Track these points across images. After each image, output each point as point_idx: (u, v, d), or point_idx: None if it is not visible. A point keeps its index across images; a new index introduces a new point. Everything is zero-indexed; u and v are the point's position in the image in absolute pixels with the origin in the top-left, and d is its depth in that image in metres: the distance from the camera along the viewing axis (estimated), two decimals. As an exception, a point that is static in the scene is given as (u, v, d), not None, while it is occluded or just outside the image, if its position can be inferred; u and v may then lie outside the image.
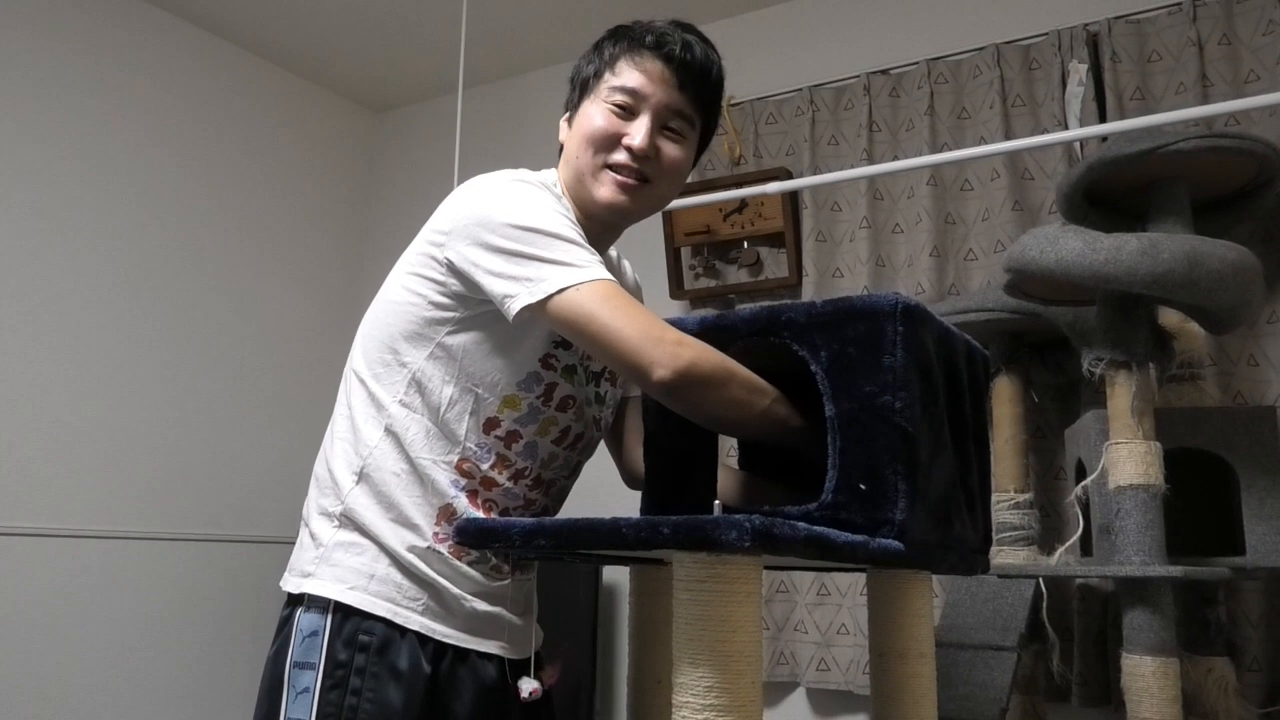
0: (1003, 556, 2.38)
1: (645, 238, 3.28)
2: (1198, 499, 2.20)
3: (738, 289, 3.24)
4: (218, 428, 3.47)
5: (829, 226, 3.10)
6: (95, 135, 3.23)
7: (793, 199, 3.14)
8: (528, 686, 1.41)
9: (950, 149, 2.89)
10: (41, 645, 2.93)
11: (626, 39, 1.35)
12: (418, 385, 1.33)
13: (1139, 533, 1.94)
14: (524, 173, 1.35)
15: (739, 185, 3.07)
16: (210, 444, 3.44)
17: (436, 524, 1.31)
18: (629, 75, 1.33)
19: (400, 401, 1.33)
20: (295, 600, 1.33)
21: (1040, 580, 2.25)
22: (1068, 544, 2.17)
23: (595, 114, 1.34)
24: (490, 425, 1.32)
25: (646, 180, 1.35)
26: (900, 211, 3.00)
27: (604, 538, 0.99)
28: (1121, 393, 2.02)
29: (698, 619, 0.93)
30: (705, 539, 0.91)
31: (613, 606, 3.26)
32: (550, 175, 1.41)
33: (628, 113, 1.33)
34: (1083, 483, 2.15)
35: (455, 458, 1.32)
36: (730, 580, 0.94)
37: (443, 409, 1.32)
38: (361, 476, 1.33)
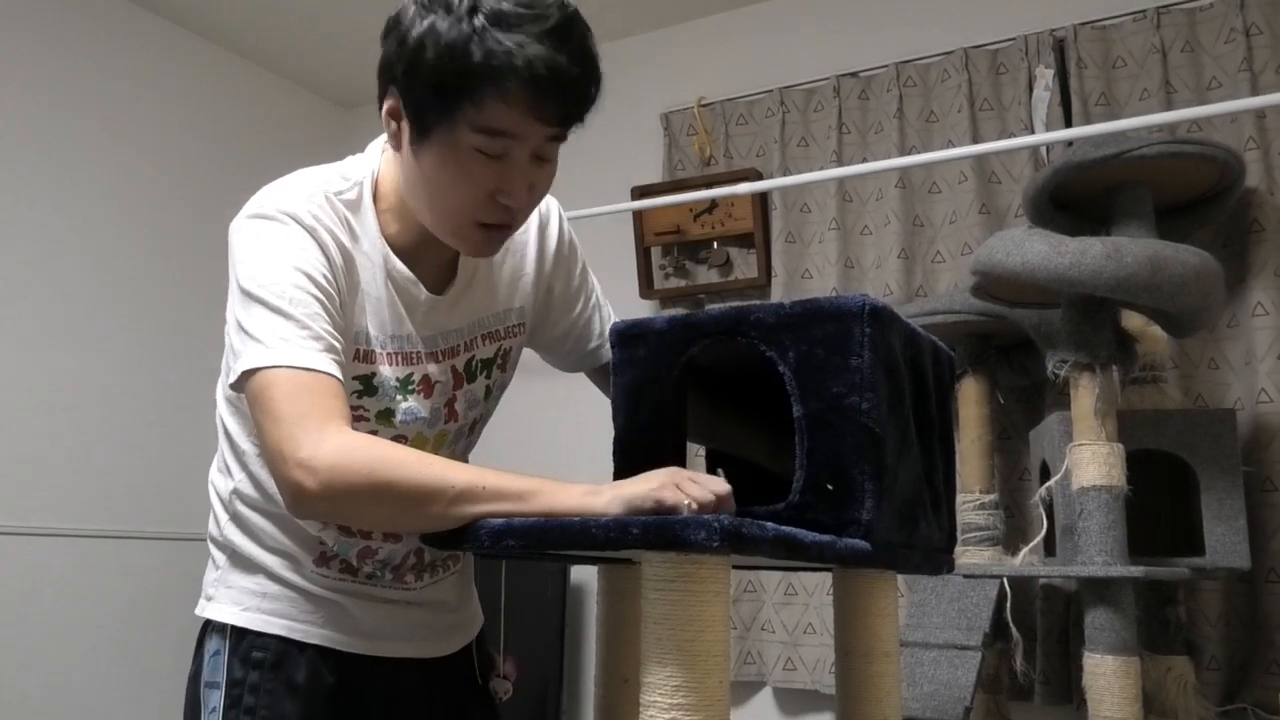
0: (968, 556, 2.41)
1: (615, 237, 3.28)
2: (1159, 500, 2.23)
3: (707, 289, 3.24)
4: (181, 424, 3.43)
5: (798, 227, 3.11)
6: (61, 128, 3.19)
7: (762, 200, 3.15)
8: (502, 689, 1.40)
9: (918, 152, 2.91)
10: (2, 643, 2.89)
11: (485, 59, 1.05)
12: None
13: (1101, 533, 1.97)
14: (295, 189, 1.19)
15: (709, 185, 3.08)
16: (174, 440, 3.40)
17: (314, 559, 1.26)
18: (496, 113, 1.07)
19: (252, 441, 1.25)
20: (205, 621, 1.31)
21: (1005, 580, 2.27)
22: (1032, 544, 2.20)
23: (459, 166, 1.11)
24: None
25: (516, 223, 1.20)
26: (869, 213, 3.02)
27: (573, 537, 0.99)
28: (1085, 395, 2.05)
29: (666, 618, 0.94)
30: (674, 539, 0.91)
31: (581, 605, 3.26)
32: (353, 171, 1.25)
33: (496, 157, 1.10)
34: (1047, 484, 2.17)
35: None
36: (699, 580, 0.94)
37: None
38: (232, 513, 1.29)
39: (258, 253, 1.15)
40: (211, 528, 1.33)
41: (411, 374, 1.24)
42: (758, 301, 1.33)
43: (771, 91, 3.21)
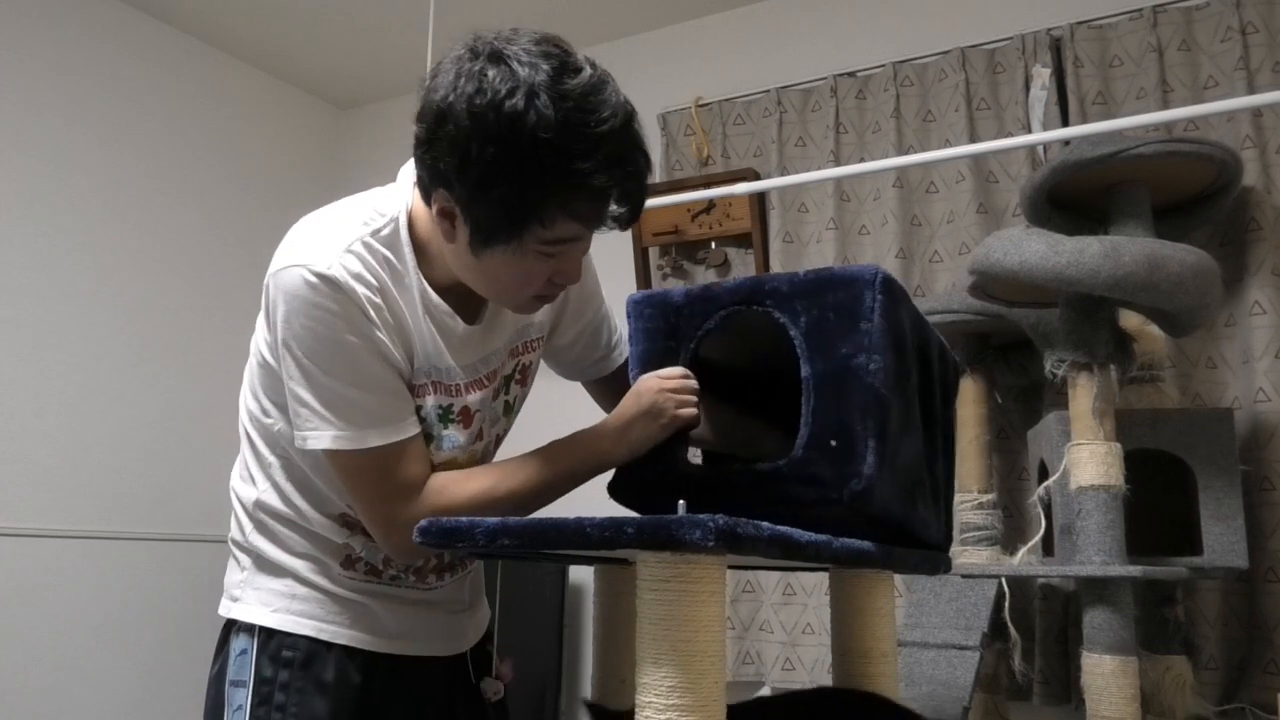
0: (966, 556, 2.40)
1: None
2: (1157, 500, 2.22)
3: (705, 289, 3.23)
4: (179, 426, 3.43)
5: (796, 227, 3.11)
6: (56, 128, 3.18)
7: (760, 200, 3.14)
8: (491, 689, 1.41)
9: (916, 151, 2.91)
10: (-3, 647, 2.89)
11: (556, 191, 1.09)
12: (285, 450, 1.28)
13: (1100, 533, 1.97)
14: (331, 239, 1.18)
15: (707, 186, 3.08)
16: (172, 442, 3.40)
17: (340, 563, 1.30)
18: (565, 228, 1.13)
19: (278, 454, 1.29)
20: (229, 621, 1.34)
21: (1003, 580, 2.27)
22: (1030, 544, 2.19)
23: (521, 267, 1.16)
24: None
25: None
26: (866, 213, 3.02)
27: (569, 537, 0.99)
28: (1083, 394, 2.04)
29: (661, 619, 0.93)
30: (669, 539, 0.91)
31: (578, 606, 3.26)
32: (387, 204, 1.24)
33: (558, 255, 1.17)
34: (1045, 483, 2.17)
35: (336, 511, 1.29)
36: (694, 580, 0.93)
37: (310, 471, 1.27)
38: (256, 521, 1.32)
39: (307, 328, 1.16)
40: (234, 532, 1.36)
41: (452, 405, 1.27)
42: (774, 272, 1.33)
43: (769, 91, 3.20)
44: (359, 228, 1.20)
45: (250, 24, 3.58)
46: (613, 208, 1.14)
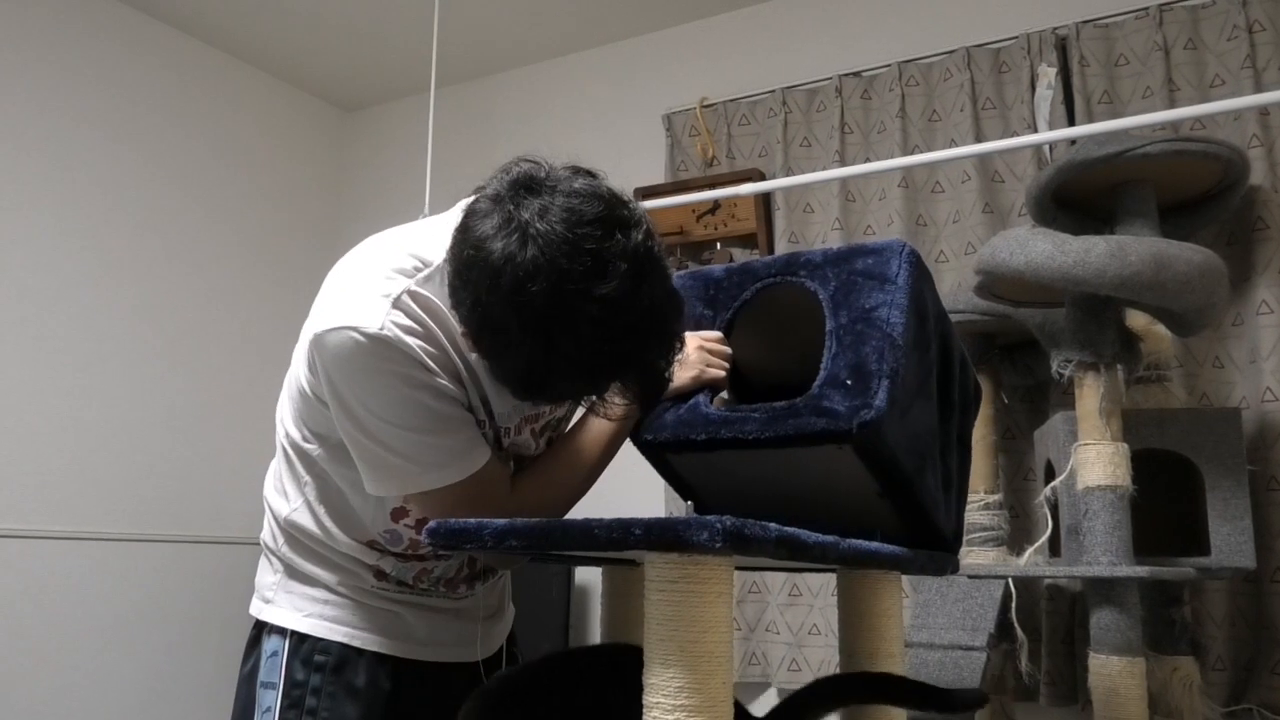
0: (972, 557, 2.40)
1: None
2: (1163, 500, 2.22)
3: (710, 290, 3.23)
4: (186, 427, 3.43)
5: (801, 228, 3.11)
6: (62, 131, 3.19)
7: (765, 200, 3.14)
8: None
9: (921, 151, 2.90)
10: (7, 647, 2.89)
11: (566, 384, 1.08)
12: (323, 471, 1.28)
13: (1106, 533, 1.96)
14: (373, 294, 1.14)
15: (712, 186, 3.08)
16: (178, 443, 3.41)
17: (373, 574, 1.31)
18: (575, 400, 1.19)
19: (315, 474, 1.29)
20: (260, 623, 1.34)
21: (1009, 580, 2.26)
22: (1036, 545, 2.19)
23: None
24: (398, 514, 1.27)
25: None
26: (872, 213, 3.01)
27: (576, 538, 0.99)
28: (1089, 394, 2.04)
29: (669, 619, 0.93)
30: (676, 540, 0.91)
31: (584, 607, 3.26)
32: (428, 249, 1.19)
33: None
34: (1051, 484, 2.17)
35: (365, 538, 1.29)
36: (701, 581, 0.93)
37: (346, 497, 1.27)
38: (288, 537, 1.33)
39: (370, 390, 1.14)
40: (266, 537, 1.36)
41: (499, 440, 1.27)
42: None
43: (774, 92, 3.20)
44: (401, 279, 1.15)
45: (256, 27, 3.58)
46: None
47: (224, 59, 3.74)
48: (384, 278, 1.15)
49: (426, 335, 1.15)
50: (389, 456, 1.16)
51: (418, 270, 1.16)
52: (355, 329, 1.11)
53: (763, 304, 1.31)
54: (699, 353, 1.27)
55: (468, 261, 1.04)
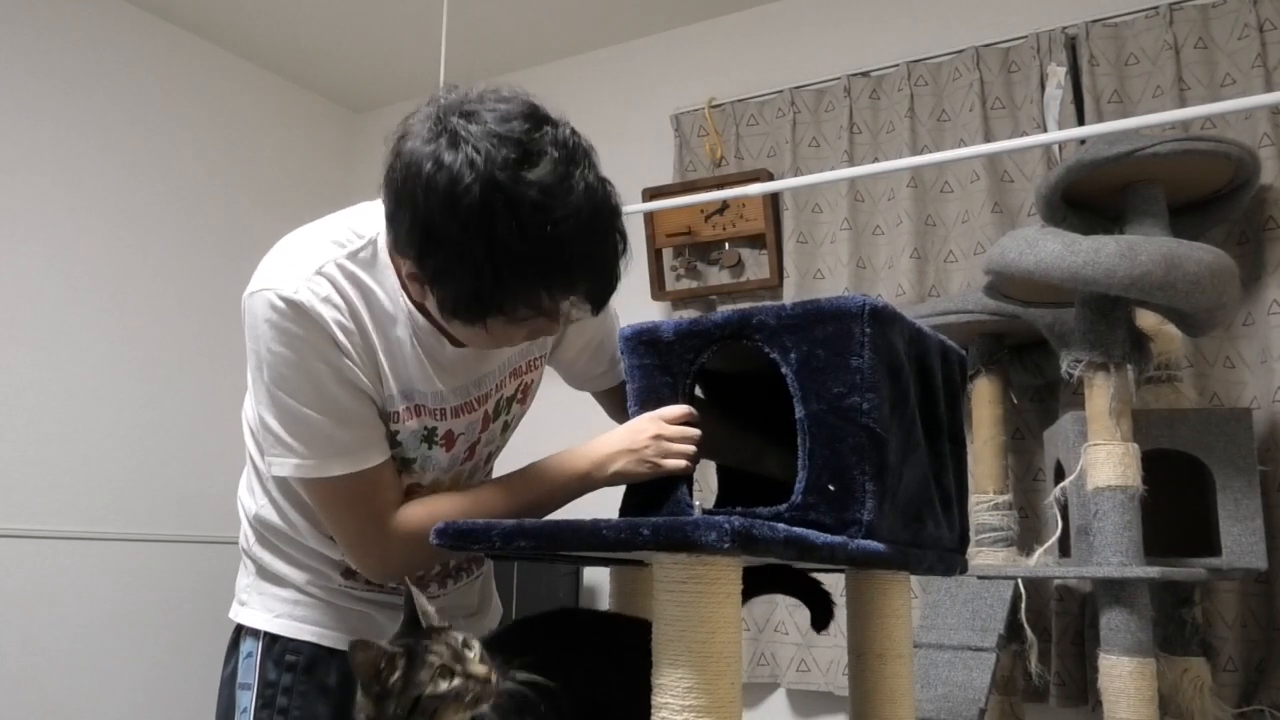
0: (982, 557, 2.39)
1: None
2: (1174, 500, 2.21)
3: (719, 290, 3.24)
4: (192, 428, 3.44)
5: (810, 228, 3.10)
6: (71, 133, 3.20)
7: (774, 200, 3.14)
8: None
9: (930, 151, 2.90)
10: (13, 646, 2.90)
11: (515, 284, 1.05)
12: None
13: (1116, 534, 1.96)
14: (303, 262, 1.16)
15: (720, 186, 3.07)
16: (185, 444, 3.41)
17: (340, 573, 1.31)
18: (530, 315, 1.11)
19: (274, 478, 1.28)
20: (239, 626, 1.35)
21: (1019, 581, 2.26)
22: (1046, 545, 2.19)
23: (493, 336, 1.15)
24: None
25: None
26: (881, 213, 3.01)
27: (584, 539, 0.99)
28: (1099, 394, 2.03)
29: (677, 620, 0.93)
30: (685, 540, 0.91)
31: (593, 607, 3.25)
32: (366, 225, 1.20)
33: (529, 324, 1.14)
34: (1061, 484, 2.16)
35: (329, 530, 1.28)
36: (710, 581, 0.93)
37: (303, 501, 1.26)
38: (258, 535, 1.34)
39: (274, 353, 1.15)
40: (241, 539, 1.37)
41: (435, 429, 1.26)
42: (760, 304, 1.32)
43: (782, 92, 3.20)
44: (333, 249, 1.17)
45: (265, 28, 3.59)
46: (579, 298, 1.12)
47: (234, 61, 3.75)
48: (316, 247, 1.18)
49: (347, 309, 1.16)
50: (279, 435, 1.16)
51: (351, 243, 1.18)
52: (274, 290, 1.14)
53: (722, 366, 1.24)
54: (656, 442, 1.19)
55: (402, 176, 1.06)
